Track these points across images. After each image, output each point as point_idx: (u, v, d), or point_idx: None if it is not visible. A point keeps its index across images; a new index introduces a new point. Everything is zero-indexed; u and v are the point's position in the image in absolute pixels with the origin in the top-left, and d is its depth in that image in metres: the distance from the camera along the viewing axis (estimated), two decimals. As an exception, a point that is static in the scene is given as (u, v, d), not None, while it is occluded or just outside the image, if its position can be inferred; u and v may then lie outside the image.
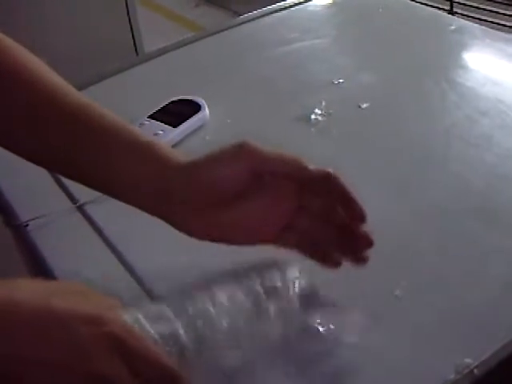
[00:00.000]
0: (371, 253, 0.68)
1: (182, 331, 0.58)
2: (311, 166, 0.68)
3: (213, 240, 0.68)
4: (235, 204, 0.66)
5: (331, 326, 0.67)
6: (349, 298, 0.71)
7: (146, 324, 0.57)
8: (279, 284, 0.66)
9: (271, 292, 0.65)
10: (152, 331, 0.57)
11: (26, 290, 0.53)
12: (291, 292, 0.66)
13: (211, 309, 0.60)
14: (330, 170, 0.68)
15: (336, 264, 0.69)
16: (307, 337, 0.67)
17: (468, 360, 0.64)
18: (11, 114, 0.73)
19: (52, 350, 0.51)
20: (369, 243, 0.67)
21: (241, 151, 0.66)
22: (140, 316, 0.58)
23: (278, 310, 0.64)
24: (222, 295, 0.62)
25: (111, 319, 0.54)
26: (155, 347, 0.55)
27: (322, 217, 0.69)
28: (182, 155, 0.69)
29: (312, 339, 0.66)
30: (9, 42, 0.76)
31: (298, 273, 0.68)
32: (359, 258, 0.68)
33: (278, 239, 0.69)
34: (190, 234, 0.67)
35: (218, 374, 0.61)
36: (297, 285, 0.67)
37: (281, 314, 0.65)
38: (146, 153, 0.69)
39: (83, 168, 0.71)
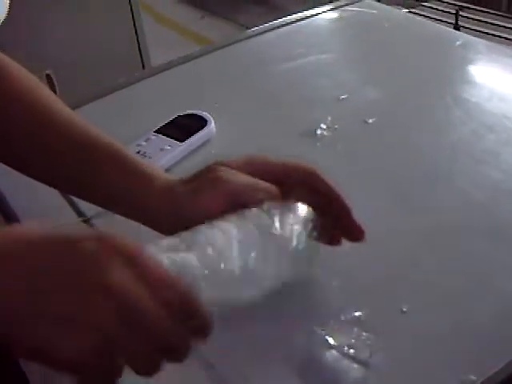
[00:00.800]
0: (376, 267, 0.68)
1: (194, 261, 0.56)
2: (292, 172, 0.71)
3: None
4: None
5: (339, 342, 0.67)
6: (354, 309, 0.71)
7: (158, 252, 0.56)
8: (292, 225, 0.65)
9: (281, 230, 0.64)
10: (164, 259, 0.55)
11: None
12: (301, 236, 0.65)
13: (223, 241, 0.59)
14: (312, 170, 0.71)
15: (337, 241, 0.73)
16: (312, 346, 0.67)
17: (473, 377, 0.64)
18: (9, 132, 0.74)
19: (63, 274, 0.50)
20: (360, 232, 0.71)
21: (217, 182, 0.67)
22: (151, 246, 0.56)
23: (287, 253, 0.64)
24: (234, 229, 0.61)
25: (119, 237, 0.53)
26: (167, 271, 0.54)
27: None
28: (163, 174, 0.72)
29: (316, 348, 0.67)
30: (7, 60, 0.76)
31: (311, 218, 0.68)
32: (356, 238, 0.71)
33: None
34: None
35: (229, 309, 0.60)
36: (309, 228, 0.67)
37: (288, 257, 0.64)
38: (127, 167, 0.71)
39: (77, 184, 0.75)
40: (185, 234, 0.60)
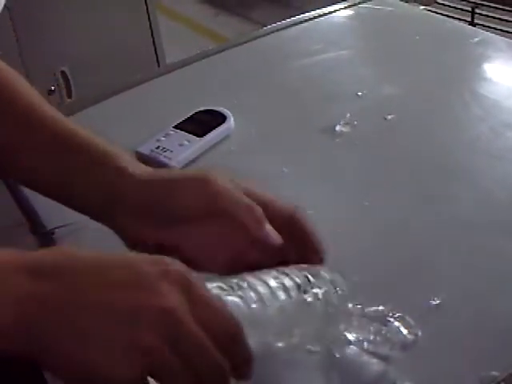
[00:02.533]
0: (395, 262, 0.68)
1: (242, 305, 0.55)
2: (276, 207, 0.66)
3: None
4: (183, 227, 0.64)
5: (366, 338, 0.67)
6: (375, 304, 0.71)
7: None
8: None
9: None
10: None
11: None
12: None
13: (263, 289, 0.58)
14: (294, 210, 0.66)
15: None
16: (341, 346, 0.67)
17: (494, 373, 0.64)
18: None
19: (115, 290, 0.49)
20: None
21: (205, 190, 0.64)
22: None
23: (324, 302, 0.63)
24: (272, 281, 0.59)
25: (175, 262, 0.52)
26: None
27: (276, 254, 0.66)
28: (140, 167, 0.69)
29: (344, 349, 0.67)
30: (5, 68, 0.75)
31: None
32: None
33: (224, 270, 0.65)
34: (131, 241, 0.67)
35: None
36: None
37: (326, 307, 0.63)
38: (104, 158, 0.68)
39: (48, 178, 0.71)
40: (224, 279, 0.59)
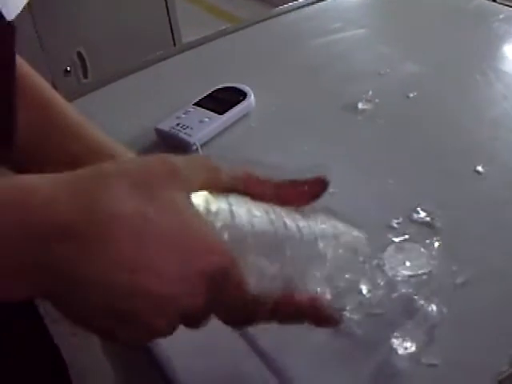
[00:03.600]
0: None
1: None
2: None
3: None
4: None
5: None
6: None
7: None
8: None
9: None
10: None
11: (120, 197, 0.47)
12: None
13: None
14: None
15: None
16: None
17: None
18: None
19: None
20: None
21: None
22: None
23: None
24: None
25: (221, 252, 0.50)
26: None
27: None
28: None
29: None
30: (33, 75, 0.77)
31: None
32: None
33: None
34: None
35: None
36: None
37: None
38: (83, 136, 0.74)
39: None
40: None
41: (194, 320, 0.51)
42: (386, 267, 0.71)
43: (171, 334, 0.50)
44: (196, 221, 0.49)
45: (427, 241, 0.76)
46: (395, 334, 0.66)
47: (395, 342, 0.65)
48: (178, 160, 0.51)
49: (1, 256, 0.44)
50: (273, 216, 0.56)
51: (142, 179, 0.48)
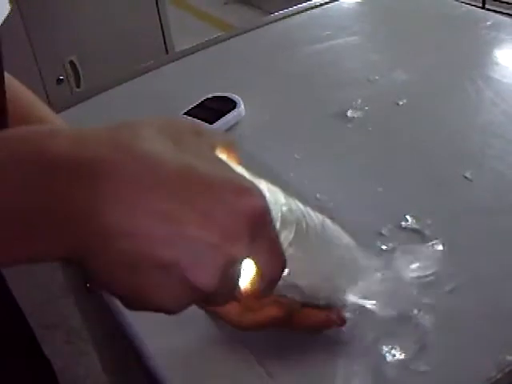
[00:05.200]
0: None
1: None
2: None
3: None
4: None
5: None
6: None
7: None
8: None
9: None
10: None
11: (149, 137, 0.44)
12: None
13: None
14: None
15: None
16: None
17: (510, 357, 0.64)
18: None
19: (192, 220, 0.43)
20: None
21: None
22: None
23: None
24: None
25: (258, 192, 0.47)
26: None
27: None
28: None
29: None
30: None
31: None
32: None
33: None
34: None
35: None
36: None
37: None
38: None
39: None
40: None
41: (232, 279, 0.47)
42: (395, 269, 0.72)
43: (213, 291, 0.45)
44: (230, 166, 0.48)
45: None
46: (385, 341, 0.66)
47: (384, 348, 0.66)
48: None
49: (23, 200, 0.40)
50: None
51: (168, 127, 0.47)
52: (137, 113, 1.10)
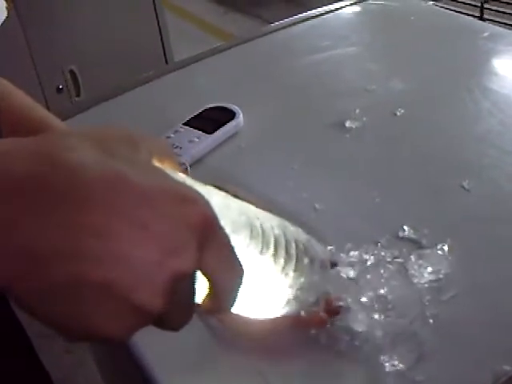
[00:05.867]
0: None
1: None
2: None
3: None
4: None
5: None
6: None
7: None
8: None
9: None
10: None
11: (74, 147, 0.40)
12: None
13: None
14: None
15: None
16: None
17: (506, 367, 0.64)
18: None
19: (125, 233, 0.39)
20: None
21: None
22: None
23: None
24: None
25: (202, 200, 0.43)
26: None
27: None
28: None
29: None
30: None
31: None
32: None
33: None
34: None
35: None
36: None
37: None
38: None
39: None
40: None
41: (184, 296, 0.43)
42: (410, 274, 0.72)
43: (163, 312, 0.41)
44: (168, 174, 0.43)
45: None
46: (384, 350, 0.66)
47: (383, 358, 0.66)
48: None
49: None
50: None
51: (100, 136, 0.43)
52: (136, 123, 1.11)
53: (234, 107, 1.07)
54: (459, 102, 1.08)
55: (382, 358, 0.66)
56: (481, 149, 0.96)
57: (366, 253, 0.73)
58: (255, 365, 0.68)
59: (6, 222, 0.37)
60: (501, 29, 1.34)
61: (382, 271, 0.70)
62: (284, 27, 1.43)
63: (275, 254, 0.54)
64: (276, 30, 1.42)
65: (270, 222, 0.56)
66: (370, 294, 0.67)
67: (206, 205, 0.43)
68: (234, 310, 0.50)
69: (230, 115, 1.06)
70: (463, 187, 0.89)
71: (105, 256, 0.38)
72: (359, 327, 0.66)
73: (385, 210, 0.86)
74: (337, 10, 1.48)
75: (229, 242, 0.46)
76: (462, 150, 0.97)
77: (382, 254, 0.74)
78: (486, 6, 2.22)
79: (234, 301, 0.48)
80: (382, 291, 0.67)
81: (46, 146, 0.40)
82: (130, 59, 2.66)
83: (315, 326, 0.67)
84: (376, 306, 0.66)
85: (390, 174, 0.93)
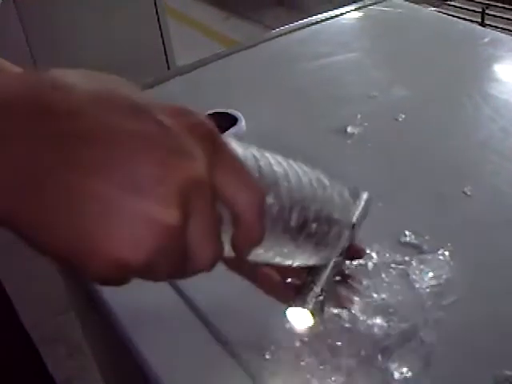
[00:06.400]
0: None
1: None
2: None
3: None
4: None
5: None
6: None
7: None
8: None
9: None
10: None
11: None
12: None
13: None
14: None
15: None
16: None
17: (508, 372, 0.64)
18: None
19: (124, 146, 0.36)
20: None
21: None
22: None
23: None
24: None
25: (197, 112, 0.41)
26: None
27: None
28: None
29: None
30: None
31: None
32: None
33: None
34: None
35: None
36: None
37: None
38: None
39: None
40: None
41: (205, 208, 0.39)
42: (412, 278, 0.73)
43: (178, 228, 0.37)
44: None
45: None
46: (392, 357, 0.67)
47: (392, 366, 0.66)
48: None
49: None
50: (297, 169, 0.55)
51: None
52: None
53: (236, 113, 1.08)
54: (460, 108, 1.09)
55: (391, 365, 0.66)
56: (482, 155, 0.97)
57: (368, 258, 0.73)
58: (255, 365, 0.69)
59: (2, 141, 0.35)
60: (501, 35, 1.34)
61: (383, 276, 0.70)
62: (286, 33, 1.44)
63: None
64: (278, 36, 1.43)
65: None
66: (372, 298, 0.67)
67: (207, 119, 0.41)
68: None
69: (232, 121, 1.06)
70: (465, 193, 0.89)
71: (104, 164, 0.35)
72: (364, 331, 0.67)
73: (386, 215, 0.86)
74: (338, 16, 1.49)
75: (240, 161, 0.43)
76: (463, 156, 0.97)
77: (384, 259, 0.74)
78: (487, 11, 2.23)
79: (260, 236, 0.43)
80: (383, 296, 0.67)
81: (38, 75, 0.39)
82: (131, 65, 2.66)
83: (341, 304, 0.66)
84: (378, 310, 0.67)
85: (391, 179, 0.93)
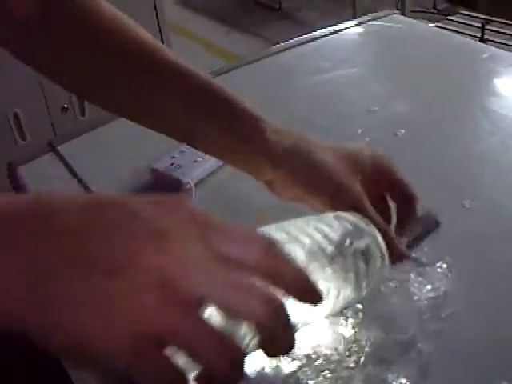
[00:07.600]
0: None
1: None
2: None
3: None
4: None
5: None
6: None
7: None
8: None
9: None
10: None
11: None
12: None
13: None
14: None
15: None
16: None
17: (505, 383, 0.65)
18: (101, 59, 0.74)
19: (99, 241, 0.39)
20: None
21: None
22: None
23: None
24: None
25: (184, 201, 0.43)
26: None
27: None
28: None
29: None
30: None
31: None
32: None
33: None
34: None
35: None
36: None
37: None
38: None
39: (168, 120, 0.79)
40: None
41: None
42: (411, 291, 0.73)
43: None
44: None
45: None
46: (391, 368, 0.67)
47: (390, 376, 0.66)
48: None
49: None
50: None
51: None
52: (142, 143, 1.12)
53: (239, 127, 1.09)
54: (460, 122, 1.10)
55: (390, 376, 0.67)
56: (481, 168, 0.98)
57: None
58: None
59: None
60: (500, 50, 1.36)
61: (382, 288, 0.71)
62: (287, 48, 1.45)
63: None
64: (279, 52, 1.44)
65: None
66: (371, 310, 0.68)
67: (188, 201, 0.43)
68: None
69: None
70: (463, 206, 0.90)
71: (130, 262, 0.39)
72: (364, 343, 0.68)
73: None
74: (340, 31, 1.50)
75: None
76: (462, 169, 0.99)
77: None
78: (486, 27, 2.25)
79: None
80: (382, 307, 0.68)
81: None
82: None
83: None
84: (377, 321, 0.68)
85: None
